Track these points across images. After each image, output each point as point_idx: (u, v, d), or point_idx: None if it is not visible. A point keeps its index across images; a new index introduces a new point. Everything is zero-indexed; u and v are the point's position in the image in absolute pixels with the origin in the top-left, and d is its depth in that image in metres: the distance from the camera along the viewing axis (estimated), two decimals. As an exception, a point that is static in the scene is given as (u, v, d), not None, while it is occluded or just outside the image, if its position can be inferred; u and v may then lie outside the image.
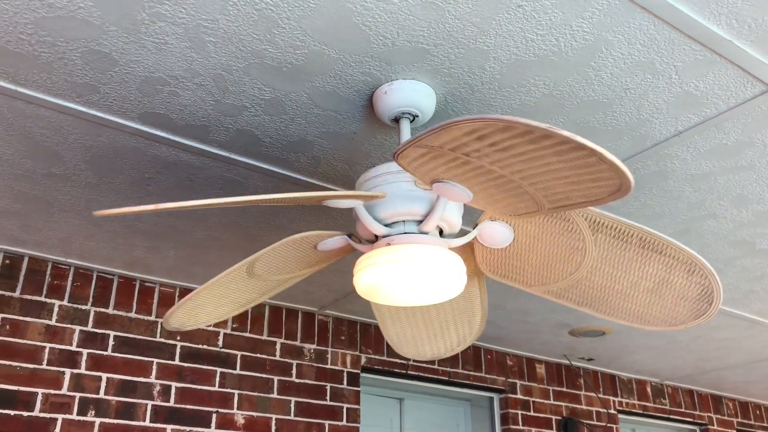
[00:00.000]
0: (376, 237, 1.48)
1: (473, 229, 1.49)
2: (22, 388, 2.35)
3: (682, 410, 4.40)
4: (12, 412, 2.30)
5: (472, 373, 3.55)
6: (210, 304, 1.73)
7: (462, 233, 2.04)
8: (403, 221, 1.43)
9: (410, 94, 1.56)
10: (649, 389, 4.29)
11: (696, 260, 1.44)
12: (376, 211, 1.45)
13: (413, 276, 1.36)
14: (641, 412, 4.19)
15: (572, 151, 0.96)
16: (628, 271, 1.51)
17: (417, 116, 1.60)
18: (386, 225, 1.44)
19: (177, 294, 2.79)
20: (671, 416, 4.33)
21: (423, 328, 1.87)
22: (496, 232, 1.49)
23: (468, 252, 1.60)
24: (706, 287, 1.48)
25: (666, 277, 1.49)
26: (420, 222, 1.44)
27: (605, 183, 1.02)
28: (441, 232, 1.50)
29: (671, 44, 1.44)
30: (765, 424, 4.92)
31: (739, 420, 4.74)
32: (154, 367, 2.64)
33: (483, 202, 1.27)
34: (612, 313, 1.63)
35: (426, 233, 1.43)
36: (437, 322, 1.84)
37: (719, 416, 4.60)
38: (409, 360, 3.35)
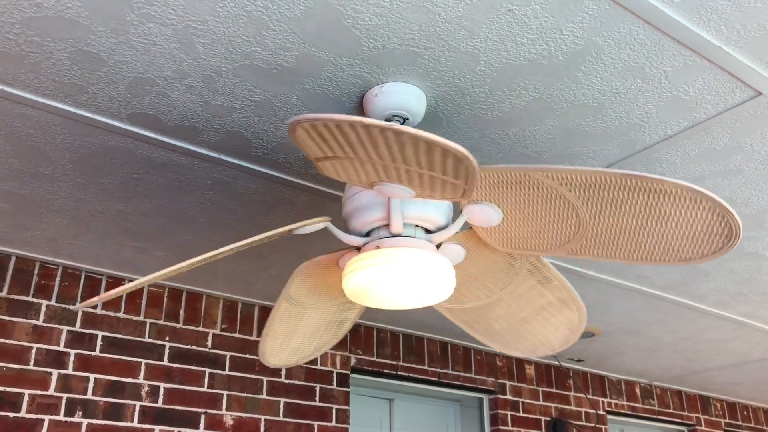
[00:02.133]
0: (368, 234, 1.49)
1: (459, 215, 1.48)
2: (8, 389, 2.33)
3: (671, 411, 4.43)
4: (-2, 413, 2.29)
5: (461, 373, 3.55)
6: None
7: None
8: (378, 228, 1.44)
9: (401, 97, 1.56)
10: (637, 390, 4.31)
11: (581, 321, 1.71)
12: (351, 223, 1.47)
13: (401, 278, 1.36)
14: (630, 412, 4.21)
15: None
16: (526, 309, 1.67)
17: (407, 119, 1.59)
18: (366, 234, 1.46)
19: (165, 294, 2.78)
20: (660, 417, 4.35)
21: (297, 334, 1.87)
22: (481, 212, 1.44)
23: (476, 239, 1.58)
24: (571, 334, 1.72)
25: (552, 320, 1.72)
26: (429, 231, 1.45)
27: (713, 235, 1.06)
28: (428, 231, 1.49)
29: (661, 49, 1.45)
30: (752, 425, 4.96)
31: (727, 420, 4.77)
32: (143, 367, 2.62)
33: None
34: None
35: (401, 235, 1.42)
36: (312, 327, 1.85)
37: (707, 417, 4.63)
38: (398, 361, 3.35)
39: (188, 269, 1.31)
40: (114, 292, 1.43)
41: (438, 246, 1.50)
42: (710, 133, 1.74)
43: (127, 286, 1.43)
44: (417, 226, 1.45)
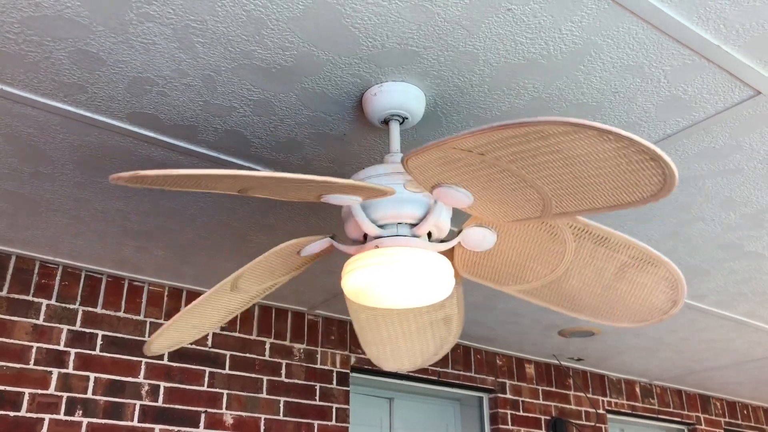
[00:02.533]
0: (365, 238, 1.48)
1: (457, 234, 1.50)
2: (8, 388, 2.33)
3: (671, 410, 4.43)
4: (-2, 412, 2.29)
5: (461, 372, 3.56)
6: (190, 324, 1.73)
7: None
8: (397, 224, 1.43)
9: (400, 96, 1.56)
10: (637, 389, 4.31)
11: (672, 271, 1.52)
12: (370, 212, 1.44)
13: (402, 279, 1.36)
14: (630, 411, 4.21)
15: (621, 148, 0.97)
16: (603, 275, 1.55)
17: (407, 118, 1.59)
18: (379, 226, 1.44)
19: (165, 293, 2.78)
20: (660, 416, 4.35)
21: (401, 336, 1.86)
22: (480, 237, 1.49)
23: (447, 254, 1.61)
24: (673, 293, 1.59)
25: (639, 281, 1.55)
26: (413, 225, 1.45)
27: (649, 181, 1.03)
28: (429, 236, 1.50)
29: (660, 48, 1.45)
30: (752, 424, 4.96)
31: (727, 420, 4.77)
32: (143, 366, 2.63)
33: (481, 207, 1.27)
34: (579, 311, 1.66)
35: (418, 237, 1.43)
36: (415, 328, 1.83)
37: (707, 416, 4.63)
38: (399, 360, 3.35)
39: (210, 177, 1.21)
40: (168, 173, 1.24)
41: (459, 231, 1.49)
42: (709, 132, 1.74)
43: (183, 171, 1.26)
44: (399, 223, 1.44)
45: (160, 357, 2.67)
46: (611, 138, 0.96)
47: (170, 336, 1.74)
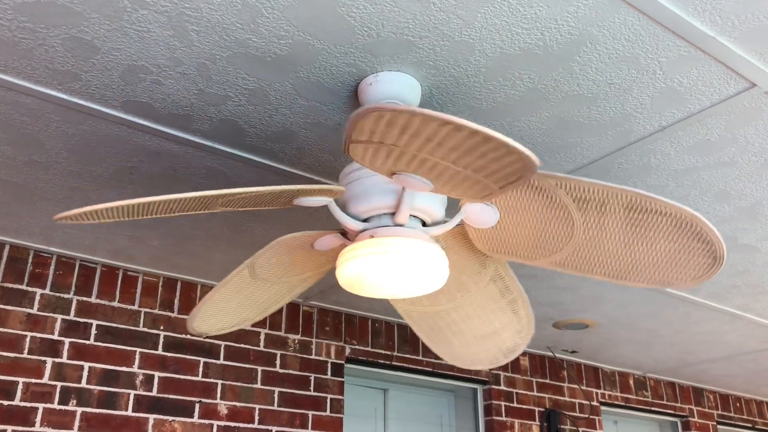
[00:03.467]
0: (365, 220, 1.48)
1: (458, 212, 1.49)
2: (2, 377, 2.33)
3: (664, 402, 4.45)
4: (-8, 401, 2.29)
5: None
6: (230, 308, 1.74)
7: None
8: (379, 215, 1.43)
9: (395, 86, 1.56)
10: (631, 382, 4.33)
11: (692, 217, 1.37)
12: (351, 207, 1.45)
13: (395, 268, 1.36)
14: (624, 404, 4.23)
15: (457, 134, 0.98)
16: (623, 234, 1.47)
17: (402, 108, 1.59)
18: (364, 220, 1.44)
19: (160, 283, 2.78)
20: (653, 408, 4.37)
21: (234, 304, 1.83)
22: (480, 213, 1.46)
23: (464, 237, 1.60)
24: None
25: (666, 235, 1.42)
26: (425, 224, 1.45)
27: (507, 164, 1.03)
28: (424, 223, 1.50)
29: (655, 40, 1.44)
30: (745, 417, 4.98)
31: (720, 412, 4.79)
32: (137, 356, 2.63)
33: (446, 190, 1.25)
34: (621, 276, 1.56)
35: (401, 225, 1.42)
36: (482, 328, 1.82)
37: (700, 408, 4.65)
38: (393, 351, 3.36)
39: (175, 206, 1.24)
40: (105, 206, 1.24)
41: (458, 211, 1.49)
42: (704, 124, 1.75)
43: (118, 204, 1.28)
44: (415, 217, 1.45)
45: (155, 347, 2.67)
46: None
47: (209, 317, 1.75)
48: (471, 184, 1.15)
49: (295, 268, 1.66)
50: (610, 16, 1.38)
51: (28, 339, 2.42)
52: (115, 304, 2.65)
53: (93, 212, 1.19)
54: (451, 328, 1.78)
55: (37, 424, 2.34)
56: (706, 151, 1.87)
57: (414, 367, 3.41)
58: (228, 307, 1.76)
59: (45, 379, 2.41)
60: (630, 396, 4.28)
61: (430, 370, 3.46)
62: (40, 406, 2.37)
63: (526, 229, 1.51)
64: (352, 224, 1.43)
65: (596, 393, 4.11)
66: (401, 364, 3.37)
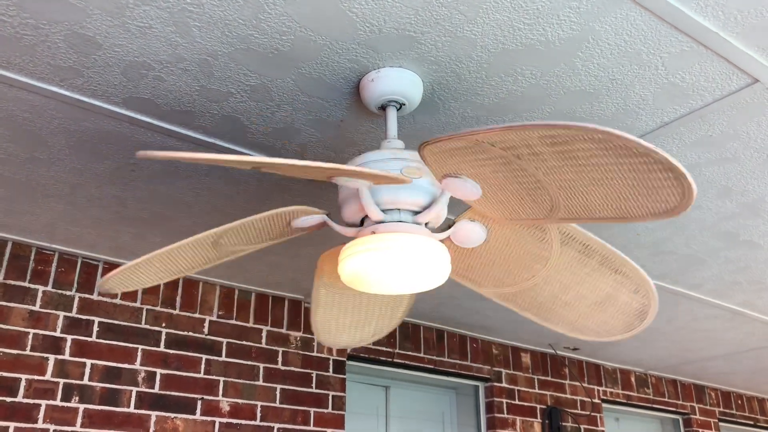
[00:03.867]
0: (362, 222, 1.48)
1: (449, 227, 1.49)
2: (5, 374, 2.33)
3: (666, 399, 4.45)
4: (-5, 398, 2.29)
5: (457, 361, 3.57)
6: (152, 269, 1.64)
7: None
8: (399, 210, 1.42)
9: (397, 82, 1.56)
10: (633, 379, 4.33)
11: (644, 282, 1.55)
12: (343, 213, 1.46)
13: (397, 264, 1.36)
14: (625, 401, 4.23)
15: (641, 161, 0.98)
16: (581, 284, 1.60)
17: (404, 104, 1.59)
18: (381, 211, 1.44)
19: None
20: (655, 405, 4.37)
21: (349, 316, 1.86)
22: (471, 232, 1.50)
23: (491, 219, 1.60)
24: (644, 306, 1.64)
25: (613, 294, 1.60)
26: (416, 213, 1.45)
27: (667, 195, 1.04)
28: (426, 224, 1.50)
29: (658, 35, 1.44)
30: (746, 414, 4.98)
31: (721, 409, 4.80)
32: (139, 353, 2.63)
33: (487, 201, 1.28)
34: (551, 321, 1.69)
35: (420, 224, 1.43)
36: (365, 311, 1.84)
37: (701, 405, 4.65)
38: (395, 348, 3.36)
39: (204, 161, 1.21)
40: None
41: (450, 225, 1.49)
42: (706, 120, 1.74)
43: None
44: (401, 209, 1.44)
45: (157, 344, 2.68)
46: (639, 151, 0.96)
47: (130, 277, 1.64)
48: (515, 205, 1.17)
49: (259, 238, 1.59)
50: (612, 12, 1.38)
51: (30, 336, 2.42)
52: (117, 301, 2.65)
53: (173, 158, 1.13)
54: (555, 302, 1.70)
55: (40, 420, 2.35)
56: (709, 147, 1.86)
57: (416, 364, 3.41)
58: (153, 268, 1.65)
59: (47, 376, 2.41)
60: (631, 393, 4.28)
61: (432, 367, 3.47)
62: (43, 402, 2.37)
63: (497, 258, 1.56)
64: (345, 232, 1.45)
65: (598, 390, 4.12)
66: (403, 362, 3.37)
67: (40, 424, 2.34)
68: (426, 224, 1.49)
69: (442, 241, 1.56)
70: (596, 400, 4.07)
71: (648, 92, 1.63)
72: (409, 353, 3.41)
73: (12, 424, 2.29)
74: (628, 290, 1.60)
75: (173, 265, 1.63)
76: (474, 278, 1.64)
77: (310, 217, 1.51)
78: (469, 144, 1.11)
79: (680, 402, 4.53)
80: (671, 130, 1.78)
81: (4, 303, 2.41)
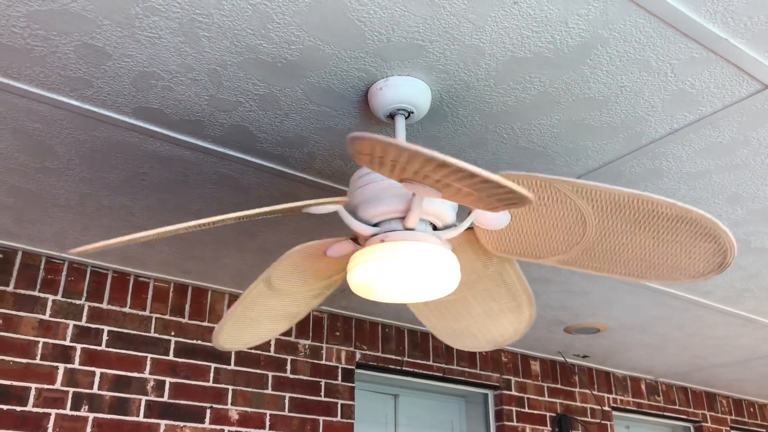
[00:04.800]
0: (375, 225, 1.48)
1: (468, 216, 1.48)
2: (15, 383, 2.34)
3: (677, 407, 4.42)
4: (5, 407, 2.30)
5: (466, 369, 3.55)
6: (253, 321, 1.76)
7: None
8: (389, 219, 1.42)
9: (405, 91, 1.56)
10: (643, 386, 4.30)
11: (697, 215, 1.33)
12: (361, 211, 1.45)
13: (406, 272, 1.36)
14: (635, 409, 4.20)
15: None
16: (633, 234, 1.46)
17: (412, 113, 1.59)
18: (374, 224, 1.44)
19: (171, 289, 2.79)
20: (665, 413, 4.34)
21: (472, 322, 1.87)
22: (491, 216, 1.47)
23: (473, 239, 1.59)
24: (717, 243, 1.43)
25: (674, 237, 1.40)
26: (436, 228, 1.44)
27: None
28: (435, 227, 1.49)
29: (667, 42, 1.44)
30: (759, 422, 4.94)
31: (733, 417, 4.76)
32: (148, 362, 2.63)
33: (456, 198, 1.25)
34: (631, 273, 1.56)
35: (411, 230, 1.42)
36: (483, 314, 1.83)
37: (713, 413, 4.62)
38: (403, 356, 3.35)
39: (186, 231, 1.29)
40: (113, 242, 1.31)
41: (469, 214, 1.49)
42: (716, 126, 1.74)
43: (127, 238, 1.33)
44: (425, 220, 1.45)
45: (166, 352, 2.68)
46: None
47: (235, 332, 1.79)
48: (478, 197, 1.15)
49: (313, 275, 1.66)
50: (621, 19, 1.37)
51: (40, 345, 2.43)
52: (127, 309, 2.66)
53: (108, 245, 1.22)
54: (621, 254, 1.65)
55: (50, 429, 2.35)
56: (718, 153, 1.86)
57: (425, 372, 3.40)
58: (250, 321, 1.78)
59: (57, 385, 2.41)
60: (642, 401, 4.25)
61: (441, 375, 3.45)
62: (53, 411, 2.38)
63: (536, 229, 1.50)
64: (362, 229, 1.43)
65: (608, 398, 4.09)
66: (412, 370, 3.36)
67: (49, 433, 2.35)
68: (435, 227, 1.49)
69: (473, 231, 1.54)
70: (606, 408, 4.04)
71: (657, 99, 1.63)
72: (418, 361, 3.40)
73: (22, 433, 2.30)
74: (685, 229, 1.39)
75: (269, 315, 1.76)
76: (527, 251, 1.58)
77: (338, 245, 1.53)
78: (380, 159, 1.10)
79: (691, 410, 4.50)
80: (680, 136, 1.78)
81: (14, 312, 2.42)
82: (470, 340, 1.95)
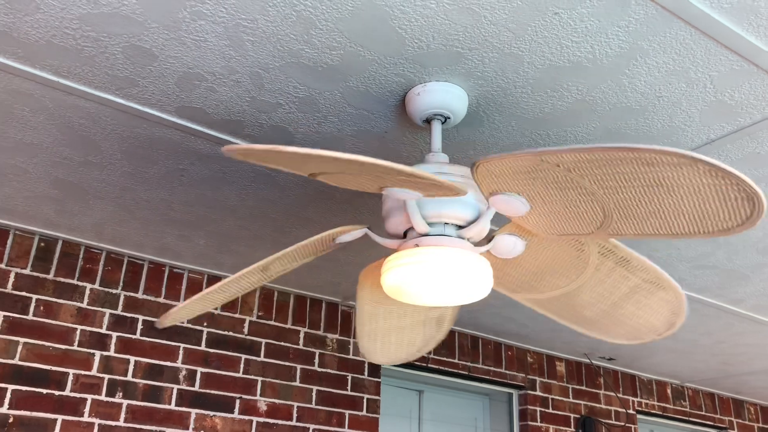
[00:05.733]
0: (405, 234, 1.50)
1: (489, 240, 1.51)
2: (54, 368, 2.41)
3: (703, 413, 4.39)
4: (45, 391, 2.37)
5: (491, 368, 3.57)
6: (209, 301, 1.75)
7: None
8: (444, 223, 1.44)
9: (443, 96, 1.58)
10: (669, 391, 4.28)
11: (679, 297, 1.60)
12: (387, 226, 1.48)
13: (441, 277, 1.38)
14: (660, 413, 4.18)
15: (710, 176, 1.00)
16: (613, 294, 1.60)
17: (449, 118, 1.61)
18: (403, 235, 1.48)
19: (204, 281, 2.85)
20: (691, 419, 4.31)
21: (394, 334, 1.89)
22: (510, 245, 1.51)
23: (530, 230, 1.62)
24: (673, 316, 1.67)
25: (646, 302, 1.63)
26: (461, 227, 1.47)
27: (734, 215, 1.06)
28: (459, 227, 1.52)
29: (707, 54, 1.44)
30: (786, 430, 4.88)
31: (761, 425, 4.70)
32: (181, 352, 2.69)
33: (534, 217, 1.29)
34: (581, 324, 1.70)
35: (463, 239, 1.45)
36: (409, 323, 1.86)
37: (740, 420, 4.57)
38: (430, 353, 3.38)
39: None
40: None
41: (490, 239, 1.51)
42: (755, 137, 1.73)
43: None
44: (446, 223, 1.46)
45: (198, 343, 2.74)
46: (717, 174, 0.98)
47: (186, 312, 1.77)
48: (563, 220, 1.18)
49: (302, 257, 1.64)
50: (662, 31, 1.38)
51: (78, 332, 2.50)
52: (161, 299, 2.72)
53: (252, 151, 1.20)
54: (587, 309, 1.72)
55: (86, 414, 2.42)
56: (756, 164, 1.84)
57: (450, 370, 3.42)
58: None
59: (93, 372, 2.49)
60: (667, 405, 4.23)
61: (466, 373, 3.48)
62: (89, 397, 2.45)
63: (532, 266, 1.57)
64: (388, 244, 1.47)
65: (633, 401, 4.08)
66: (437, 367, 3.39)
67: (85, 418, 2.42)
68: (468, 239, 1.51)
69: (481, 254, 1.57)
70: (631, 411, 4.03)
71: (695, 109, 1.63)
72: (444, 359, 3.42)
73: (60, 417, 2.37)
74: (662, 300, 1.64)
75: (225, 295, 1.72)
76: (509, 285, 1.66)
77: (351, 233, 1.55)
78: (529, 163, 1.12)
79: (718, 416, 4.46)
80: (717, 146, 1.77)
81: (54, 299, 2.49)
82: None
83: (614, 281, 1.60)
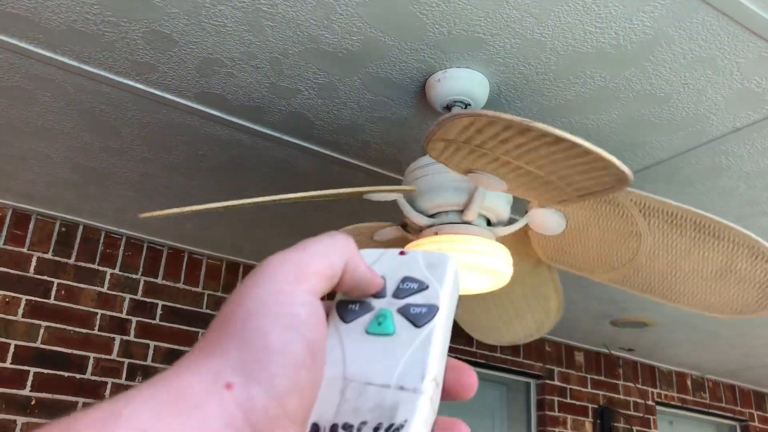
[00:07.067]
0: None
1: (525, 215, 1.49)
2: (75, 351, 2.44)
3: (723, 405, 4.34)
4: (66, 374, 2.40)
5: (509, 357, 3.56)
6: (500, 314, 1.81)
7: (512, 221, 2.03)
8: (446, 212, 1.44)
9: (463, 83, 1.56)
10: (689, 382, 4.24)
11: (758, 244, 1.31)
12: (419, 202, 1.46)
13: (462, 265, 1.37)
14: (680, 405, 4.15)
15: (553, 145, 0.98)
16: (688, 257, 1.40)
17: (469, 104, 1.59)
18: (431, 216, 1.45)
19: (223, 267, 2.86)
20: (711, 411, 4.27)
21: (497, 317, 1.88)
22: (547, 219, 1.47)
23: (525, 239, 1.60)
24: None
25: (729, 263, 1.38)
26: (462, 212, 1.45)
27: (597, 176, 1.03)
28: (489, 222, 1.50)
29: (735, 40, 1.41)
30: (808, 424, 4.82)
31: (781, 418, 4.65)
32: (199, 337, 2.71)
33: (520, 191, 1.25)
34: (677, 299, 1.54)
35: (468, 223, 1.43)
36: (512, 309, 1.84)
37: (761, 413, 4.52)
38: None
39: (252, 206, 1.28)
40: (187, 209, 1.34)
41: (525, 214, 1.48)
42: (782, 126, 1.69)
43: (202, 207, 1.34)
44: (481, 215, 1.45)
45: (217, 328, 2.75)
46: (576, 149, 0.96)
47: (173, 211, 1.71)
48: (547, 188, 1.15)
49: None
50: (688, 17, 1.35)
51: (98, 316, 2.53)
52: (180, 285, 2.74)
53: (174, 213, 1.24)
54: (669, 280, 1.60)
55: (107, 397, 2.45)
56: (782, 153, 1.81)
57: (467, 359, 3.42)
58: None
59: (114, 356, 2.51)
60: (687, 397, 4.19)
61: (484, 362, 3.47)
62: (109, 380, 2.48)
63: (589, 241, 1.50)
64: (418, 219, 1.45)
65: (652, 392, 4.05)
66: (455, 356, 3.38)
67: (106, 401, 2.45)
68: (489, 222, 1.50)
69: (527, 233, 1.55)
70: (650, 402, 4.00)
71: (720, 97, 1.60)
72: (461, 347, 3.42)
73: (81, 399, 2.40)
74: (744, 257, 1.35)
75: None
76: (577, 264, 1.59)
77: (387, 230, 1.55)
78: (445, 144, 1.10)
79: (738, 408, 4.41)
80: (743, 135, 1.74)
81: (75, 284, 2.52)
82: (495, 334, 1.96)
83: (676, 242, 1.39)
